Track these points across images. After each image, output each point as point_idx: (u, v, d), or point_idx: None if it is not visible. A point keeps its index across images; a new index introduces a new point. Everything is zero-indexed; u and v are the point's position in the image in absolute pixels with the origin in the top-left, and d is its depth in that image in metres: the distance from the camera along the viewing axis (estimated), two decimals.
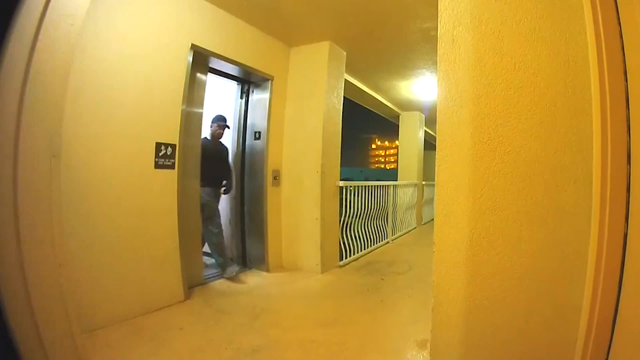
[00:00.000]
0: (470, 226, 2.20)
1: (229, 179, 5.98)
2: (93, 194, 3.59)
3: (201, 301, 4.49)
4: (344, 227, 6.73)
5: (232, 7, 4.90)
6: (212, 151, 5.59)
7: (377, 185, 8.16)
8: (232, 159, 6.11)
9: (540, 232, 1.99)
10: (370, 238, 7.73)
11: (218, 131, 5.67)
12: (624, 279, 1.68)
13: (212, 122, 5.65)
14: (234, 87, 6.13)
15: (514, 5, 2.09)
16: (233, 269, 5.36)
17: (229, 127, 5.80)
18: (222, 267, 5.46)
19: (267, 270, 5.82)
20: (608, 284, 1.72)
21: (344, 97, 6.50)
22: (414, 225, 11.14)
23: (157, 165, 4.13)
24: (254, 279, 5.50)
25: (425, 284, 4.59)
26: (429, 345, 2.47)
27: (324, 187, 5.88)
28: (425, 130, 12.86)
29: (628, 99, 1.68)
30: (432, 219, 2.78)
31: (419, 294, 4.89)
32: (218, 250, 5.54)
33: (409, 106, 10.97)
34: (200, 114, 5.04)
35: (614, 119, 1.71)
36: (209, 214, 5.50)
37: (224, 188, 5.91)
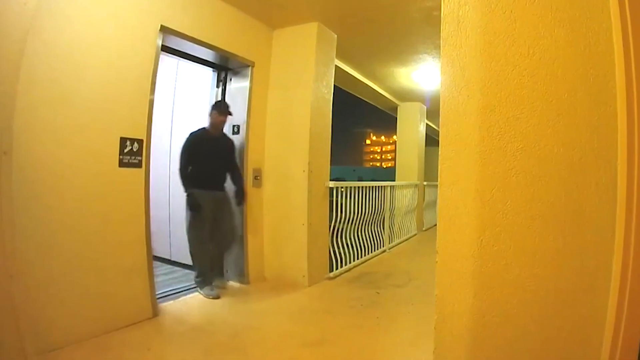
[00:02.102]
0: (478, 233, 2.19)
1: (237, 180, 5.73)
2: (50, 195, 3.54)
3: (172, 317, 4.46)
4: (335, 233, 6.72)
5: None
6: (211, 144, 5.43)
7: (372, 186, 8.16)
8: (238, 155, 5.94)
9: (557, 239, 1.99)
10: (364, 246, 7.73)
11: (219, 119, 5.44)
12: None
13: (211, 109, 5.47)
14: (209, 74, 6.11)
15: None
16: (211, 292, 5.23)
17: (231, 114, 5.59)
18: (199, 284, 5.35)
19: (247, 283, 5.80)
20: (635, 297, 1.71)
21: (334, 86, 6.50)
22: (414, 231, 11.19)
23: (122, 164, 4.09)
24: (232, 292, 5.49)
25: (427, 298, 4.59)
26: None
27: (311, 189, 5.86)
28: (426, 124, 12.92)
29: None
30: (435, 225, 2.78)
31: (420, 309, 4.90)
32: (202, 264, 5.41)
33: (408, 96, 11.02)
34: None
35: None
36: (204, 221, 5.33)
37: (237, 199, 5.68)
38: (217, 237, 5.58)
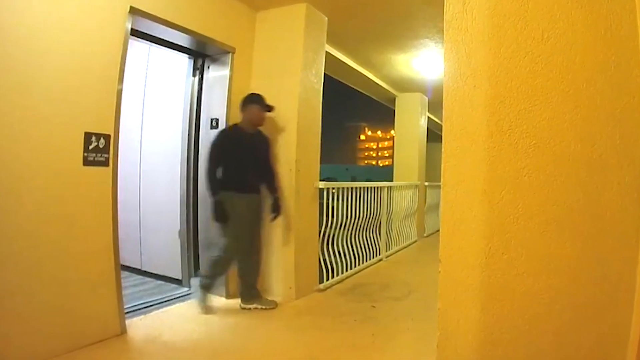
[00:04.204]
0: (486, 239, 2.18)
1: (272, 185, 5.63)
2: (6, 198, 3.49)
3: (143, 334, 4.41)
4: (326, 240, 6.70)
5: None
6: (247, 141, 5.32)
7: (368, 187, 8.13)
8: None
9: (575, 246, 1.98)
10: (358, 254, 7.70)
11: (261, 115, 5.38)
12: None
13: (247, 103, 5.38)
14: (184, 61, 6.06)
15: None
16: (207, 303, 5.18)
17: (270, 110, 5.51)
18: (204, 286, 5.21)
19: (228, 296, 5.75)
20: None
21: (325, 75, 6.48)
22: (415, 237, 11.21)
23: (87, 162, 4.03)
24: (210, 306, 5.43)
25: (429, 312, 4.57)
26: None
27: (299, 189, 5.83)
28: (428, 117, 12.94)
29: None
30: (438, 230, 2.77)
31: (421, 325, 4.88)
32: (222, 271, 5.35)
33: (408, 86, 11.03)
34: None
35: None
36: (246, 227, 5.27)
37: (274, 214, 5.56)
38: (254, 248, 5.50)
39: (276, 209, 5.57)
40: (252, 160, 5.38)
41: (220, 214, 5.06)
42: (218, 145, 5.19)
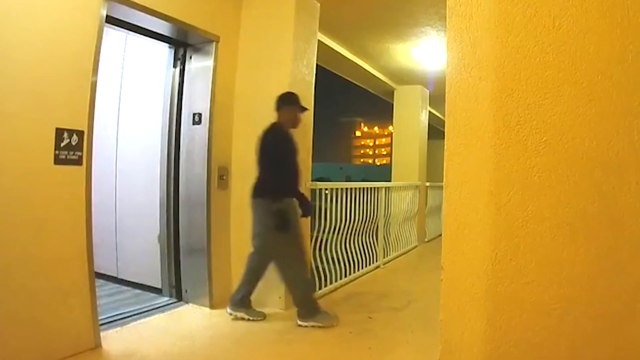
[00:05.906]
0: (493, 244, 2.18)
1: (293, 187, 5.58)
2: None
3: (119, 348, 4.39)
4: (318, 245, 6.71)
5: None
6: (294, 143, 5.29)
7: (364, 188, 8.11)
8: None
9: (589, 252, 1.98)
10: (354, 261, 7.69)
11: (299, 117, 5.40)
12: None
13: (286, 104, 5.33)
14: (164, 51, 6.04)
15: None
16: (331, 319, 5.18)
17: (305, 111, 5.51)
18: (315, 315, 5.20)
19: (211, 306, 5.73)
20: None
21: (317, 65, 6.48)
22: (415, 242, 11.26)
23: (58, 160, 4.00)
24: (192, 317, 5.43)
25: (430, 323, 4.57)
26: None
27: None
28: (429, 112, 12.96)
29: None
30: (440, 235, 2.77)
31: (422, 337, 4.89)
32: (311, 289, 5.40)
33: (407, 78, 11.05)
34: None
35: None
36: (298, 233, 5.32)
37: (307, 216, 5.63)
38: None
39: (307, 211, 5.61)
40: (295, 162, 5.36)
41: (284, 223, 5.00)
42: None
